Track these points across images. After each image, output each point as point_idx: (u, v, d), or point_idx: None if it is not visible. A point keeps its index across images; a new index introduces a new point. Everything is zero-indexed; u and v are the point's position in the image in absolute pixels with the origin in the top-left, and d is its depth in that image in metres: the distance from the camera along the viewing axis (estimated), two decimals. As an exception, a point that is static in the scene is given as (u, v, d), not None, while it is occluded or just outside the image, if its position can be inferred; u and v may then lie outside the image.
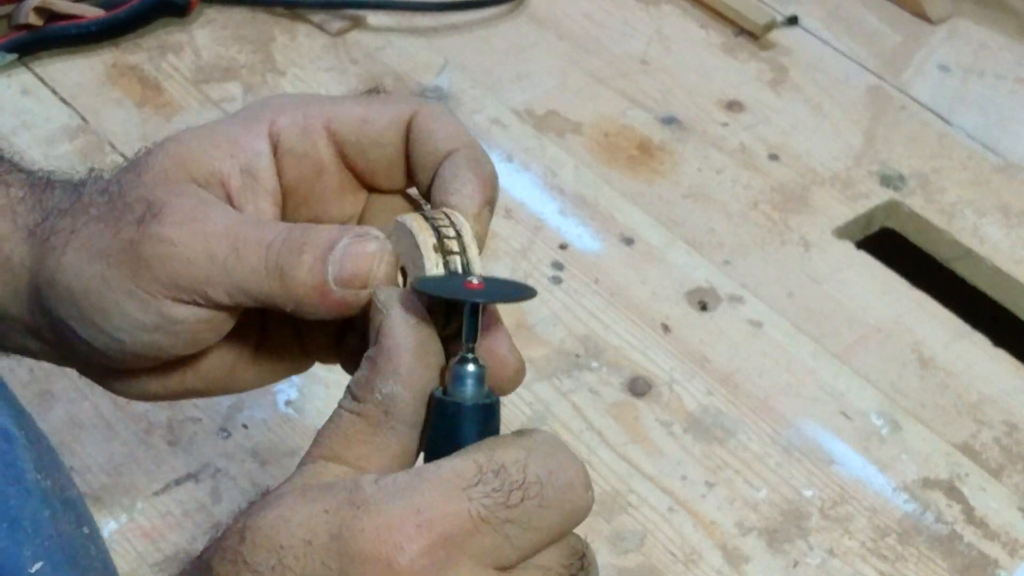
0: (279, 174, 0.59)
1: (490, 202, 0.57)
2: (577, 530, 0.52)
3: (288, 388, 0.97)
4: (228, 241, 0.55)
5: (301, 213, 0.60)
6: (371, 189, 0.61)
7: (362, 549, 0.48)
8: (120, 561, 0.87)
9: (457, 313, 0.54)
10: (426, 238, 0.54)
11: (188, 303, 0.56)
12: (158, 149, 0.59)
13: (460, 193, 0.56)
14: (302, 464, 0.53)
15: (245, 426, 0.95)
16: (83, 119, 1.16)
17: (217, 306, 0.57)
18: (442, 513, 0.48)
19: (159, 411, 0.95)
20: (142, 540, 0.89)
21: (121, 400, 0.95)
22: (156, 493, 0.91)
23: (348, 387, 0.53)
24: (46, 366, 0.95)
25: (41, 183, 0.61)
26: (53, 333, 0.60)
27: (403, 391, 0.52)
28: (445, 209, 0.56)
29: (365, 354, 0.53)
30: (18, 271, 0.60)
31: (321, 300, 0.55)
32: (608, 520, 0.92)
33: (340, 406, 0.53)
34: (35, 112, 1.16)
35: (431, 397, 0.53)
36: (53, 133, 1.14)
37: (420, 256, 0.54)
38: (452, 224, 0.55)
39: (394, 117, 0.58)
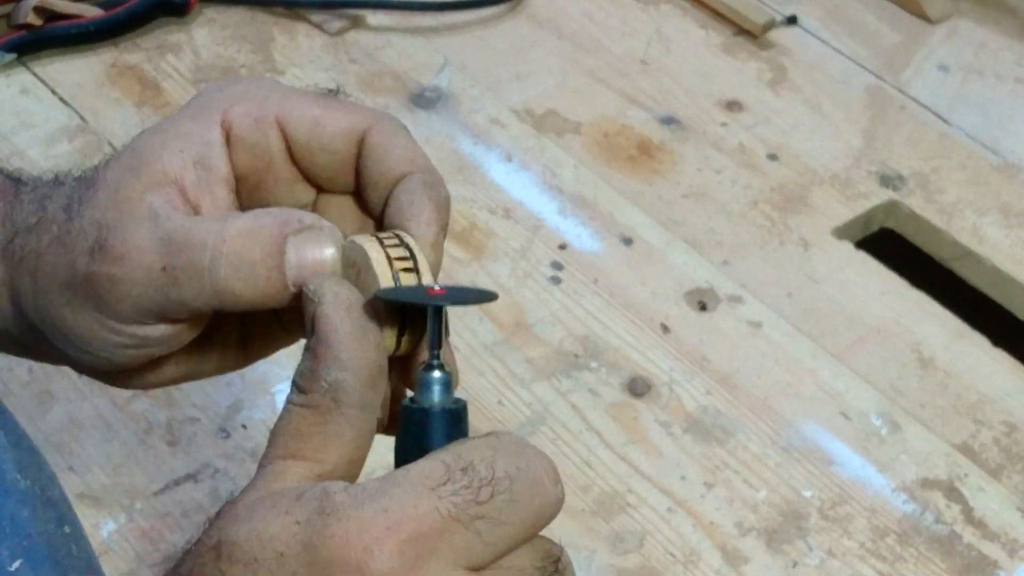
0: (232, 162, 0.59)
1: (444, 228, 0.57)
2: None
3: (288, 388, 0.97)
4: (167, 273, 0.55)
5: (255, 199, 0.60)
6: (318, 188, 0.61)
7: (332, 555, 0.48)
8: (119, 561, 0.87)
9: (413, 328, 0.54)
10: (381, 261, 0.54)
11: (154, 323, 0.57)
12: (114, 161, 0.59)
13: (417, 220, 0.56)
14: (262, 467, 0.53)
15: (244, 426, 0.95)
16: (82, 119, 1.16)
17: (179, 321, 0.57)
18: (411, 513, 0.48)
19: (159, 411, 0.95)
20: (141, 540, 0.89)
21: (120, 400, 0.95)
22: (155, 493, 0.91)
23: (293, 381, 0.53)
24: (46, 366, 0.95)
25: (11, 191, 0.61)
26: (39, 344, 0.61)
27: (347, 376, 0.52)
28: (398, 231, 0.56)
29: (305, 344, 0.53)
30: None
31: (281, 301, 0.56)
32: (607, 520, 0.92)
33: (289, 401, 0.53)
34: (34, 112, 1.16)
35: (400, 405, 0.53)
36: (52, 133, 1.14)
37: (375, 278, 0.54)
38: (406, 247, 0.55)
39: (348, 126, 0.58)
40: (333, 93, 0.60)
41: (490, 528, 0.49)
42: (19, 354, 0.64)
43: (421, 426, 0.52)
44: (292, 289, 0.55)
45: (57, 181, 0.61)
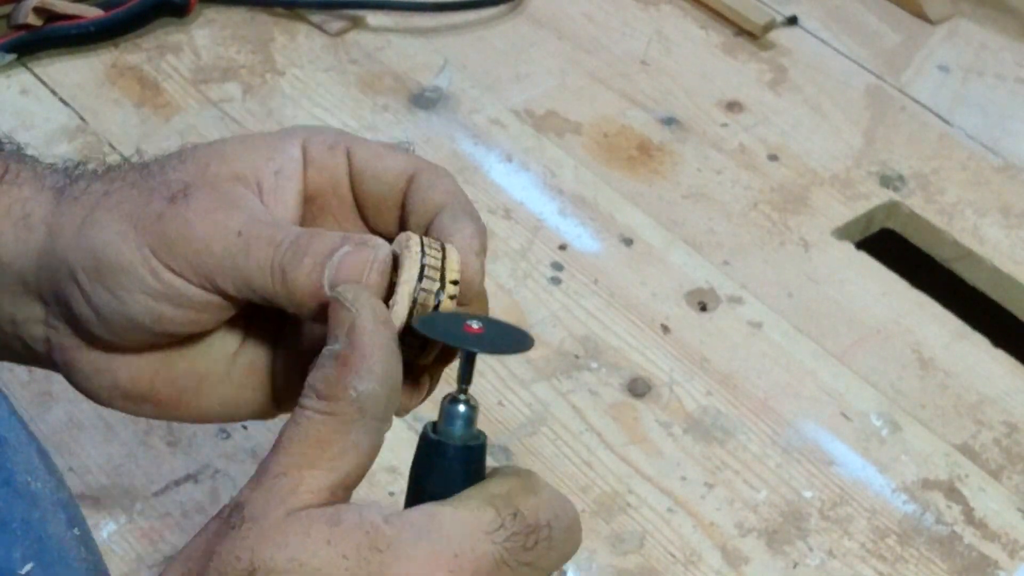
0: (305, 180, 0.62)
1: (484, 248, 0.59)
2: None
3: (287, 389, 0.97)
4: (243, 238, 0.57)
5: (316, 225, 0.63)
6: (366, 224, 0.63)
7: None
8: (119, 562, 0.87)
9: (435, 342, 0.56)
10: (413, 261, 0.55)
11: (196, 285, 0.58)
12: (204, 145, 0.61)
13: (461, 233, 0.58)
14: (276, 476, 0.52)
15: (244, 427, 0.95)
16: (82, 119, 1.16)
17: (222, 294, 0.58)
18: (470, 557, 0.50)
19: (158, 412, 0.95)
20: (141, 541, 0.89)
21: (120, 401, 0.95)
22: (155, 494, 0.91)
23: (311, 387, 0.53)
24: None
25: (72, 164, 0.63)
26: (52, 292, 0.61)
27: (380, 388, 0.52)
28: (445, 243, 0.57)
29: (326, 351, 0.53)
30: (35, 226, 0.61)
31: (315, 302, 0.56)
32: (608, 521, 0.92)
33: (306, 408, 0.53)
34: (34, 112, 1.16)
35: (420, 434, 0.54)
36: (52, 133, 1.14)
37: (402, 274, 0.55)
38: (443, 255, 0.56)
39: (404, 165, 0.61)
40: (403, 146, 0.63)
41: (530, 572, 0.52)
42: (9, 324, 0.64)
43: (441, 459, 0.54)
44: (325, 288, 0.56)
45: (123, 162, 0.63)
